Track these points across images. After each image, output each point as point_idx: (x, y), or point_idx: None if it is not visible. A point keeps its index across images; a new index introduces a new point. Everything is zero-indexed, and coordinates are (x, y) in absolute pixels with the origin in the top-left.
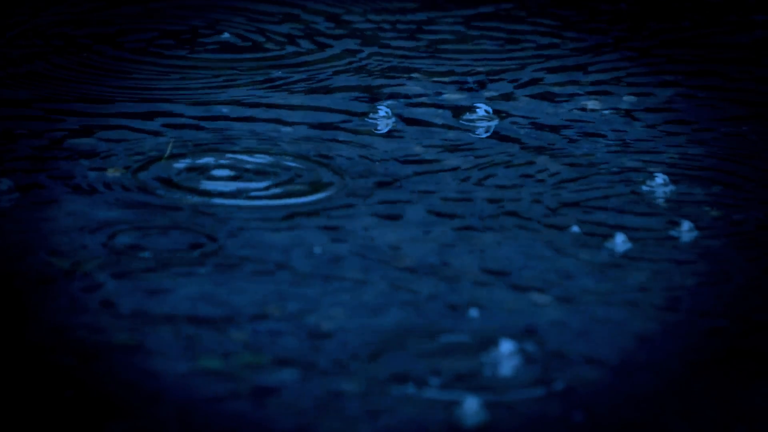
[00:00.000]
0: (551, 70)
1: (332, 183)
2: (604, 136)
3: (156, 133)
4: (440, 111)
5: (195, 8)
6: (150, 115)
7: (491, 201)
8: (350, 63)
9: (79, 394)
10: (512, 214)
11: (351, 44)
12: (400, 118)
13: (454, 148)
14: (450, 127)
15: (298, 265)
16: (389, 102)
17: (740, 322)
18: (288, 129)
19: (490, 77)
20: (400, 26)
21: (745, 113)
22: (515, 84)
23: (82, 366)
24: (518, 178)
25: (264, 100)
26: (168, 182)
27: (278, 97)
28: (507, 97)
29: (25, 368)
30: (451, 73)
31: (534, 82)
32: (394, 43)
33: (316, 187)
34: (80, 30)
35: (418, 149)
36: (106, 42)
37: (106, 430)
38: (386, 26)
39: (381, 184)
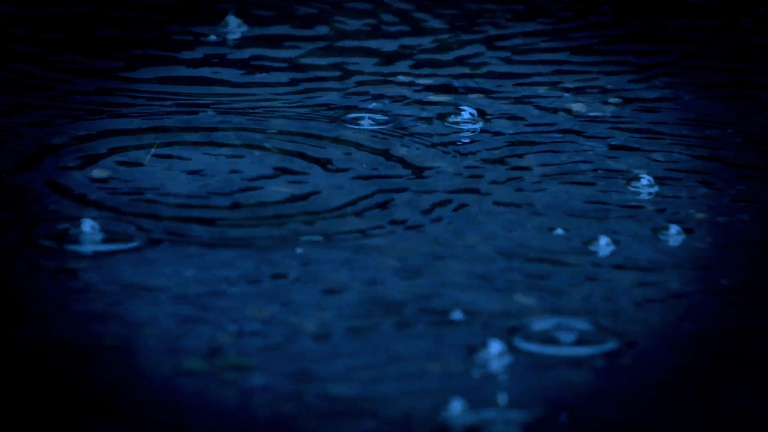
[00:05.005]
0: (536, 73)
1: (318, 185)
2: (589, 138)
3: (141, 135)
4: (425, 113)
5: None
6: (137, 121)
7: (475, 203)
8: (335, 66)
9: (64, 394)
10: (497, 216)
11: (341, 44)
12: (385, 120)
13: (439, 151)
14: (435, 130)
15: (282, 266)
16: (374, 104)
17: (726, 326)
18: (272, 132)
19: (475, 79)
20: (386, 29)
21: (730, 115)
22: (500, 86)
23: (68, 367)
24: (502, 180)
25: (248, 103)
26: (154, 183)
27: (262, 100)
28: (492, 99)
29: (11, 369)
30: (435, 75)
31: (519, 84)
32: (381, 45)
33: (301, 188)
34: (65, 30)
35: (402, 151)
36: (95, 38)
37: (91, 430)
38: (373, 29)
39: (365, 187)
